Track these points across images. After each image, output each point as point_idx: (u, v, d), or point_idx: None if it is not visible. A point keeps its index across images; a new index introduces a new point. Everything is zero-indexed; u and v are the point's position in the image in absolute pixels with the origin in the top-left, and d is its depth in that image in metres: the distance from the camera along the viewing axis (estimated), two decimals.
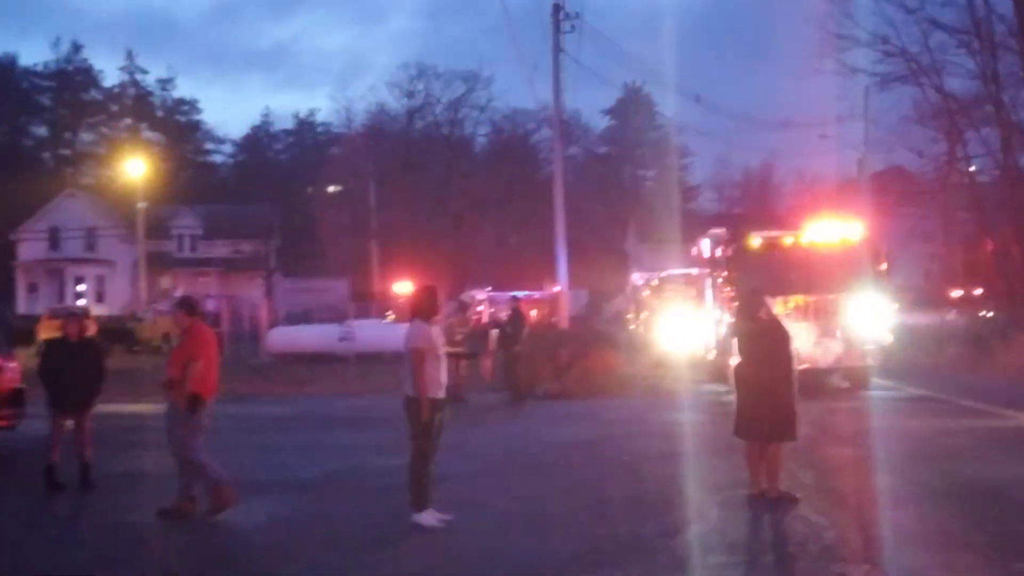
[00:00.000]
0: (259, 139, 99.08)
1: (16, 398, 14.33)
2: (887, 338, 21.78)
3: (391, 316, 43.31)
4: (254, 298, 52.08)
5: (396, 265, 57.45)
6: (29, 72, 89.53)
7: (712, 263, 23.49)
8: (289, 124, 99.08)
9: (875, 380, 22.24)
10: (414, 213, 61.45)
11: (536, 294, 43.49)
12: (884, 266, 22.48)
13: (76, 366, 12.00)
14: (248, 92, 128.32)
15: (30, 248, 68.11)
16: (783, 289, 20.46)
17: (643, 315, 37.48)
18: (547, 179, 47.00)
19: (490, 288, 44.54)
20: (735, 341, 11.04)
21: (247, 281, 62.74)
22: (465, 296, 20.99)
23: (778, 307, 18.75)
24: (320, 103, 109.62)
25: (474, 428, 16.35)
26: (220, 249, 67.63)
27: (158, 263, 64.09)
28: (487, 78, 69.84)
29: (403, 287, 48.31)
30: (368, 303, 47.38)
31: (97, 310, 57.57)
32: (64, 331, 12.51)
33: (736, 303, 15.42)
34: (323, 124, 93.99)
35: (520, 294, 31.79)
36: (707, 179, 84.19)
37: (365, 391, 24.53)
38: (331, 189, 64.94)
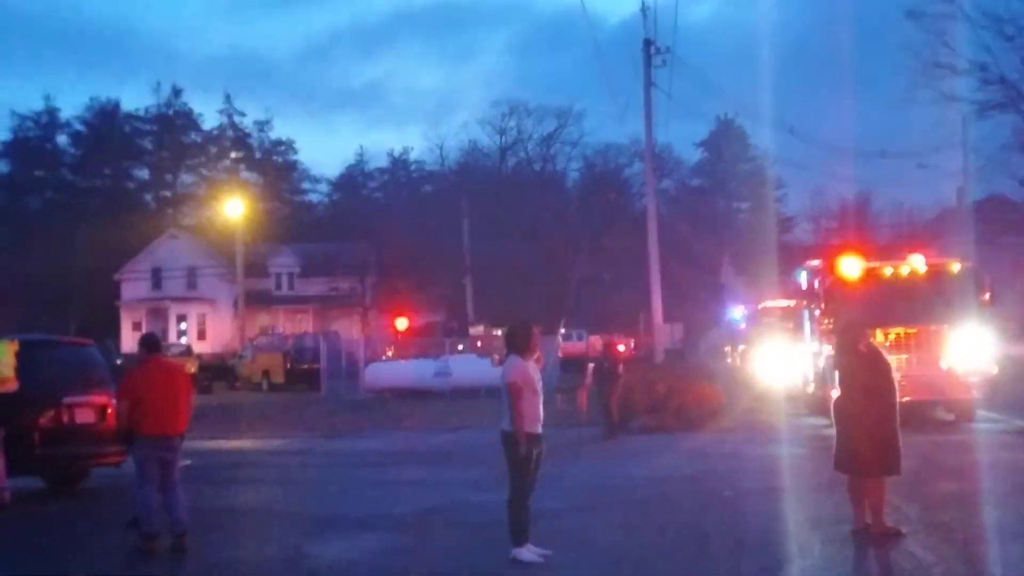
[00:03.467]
0: (354, 178, 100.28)
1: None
2: (992, 369, 21.27)
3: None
4: (351, 335, 52.59)
5: (489, 301, 57.73)
6: (131, 116, 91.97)
7: (810, 295, 23.20)
8: (383, 162, 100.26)
9: (981, 412, 21.70)
10: (507, 249, 61.70)
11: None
12: (987, 296, 21.98)
13: None
14: (342, 131, 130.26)
15: (133, 288, 69.72)
16: (883, 320, 20.14)
17: (740, 348, 37.14)
18: (640, 213, 46.86)
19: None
20: (835, 374, 10.87)
21: (344, 318, 63.46)
22: None
23: (878, 338, 18.50)
24: (413, 141, 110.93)
25: (570, 463, 16.29)
26: (317, 287, 68.50)
27: (257, 301, 65.11)
28: (578, 113, 70.00)
29: (402, 323, 47.85)
30: (462, 339, 47.52)
31: (198, 348, 58.77)
32: None
33: (835, 335, 15.21)
34: (417, 162, 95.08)
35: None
36: (802, 210, 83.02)
37: (461, 426, 24.62)
38: None
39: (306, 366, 43.47)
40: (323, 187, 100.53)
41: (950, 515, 11.35)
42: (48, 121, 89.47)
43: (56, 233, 67.85)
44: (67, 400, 14.55)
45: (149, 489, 10.70)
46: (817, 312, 22.31)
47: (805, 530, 10.60)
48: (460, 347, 41.40)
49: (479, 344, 42.48)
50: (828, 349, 19.76)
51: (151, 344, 11.32)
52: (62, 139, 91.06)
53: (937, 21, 37.90)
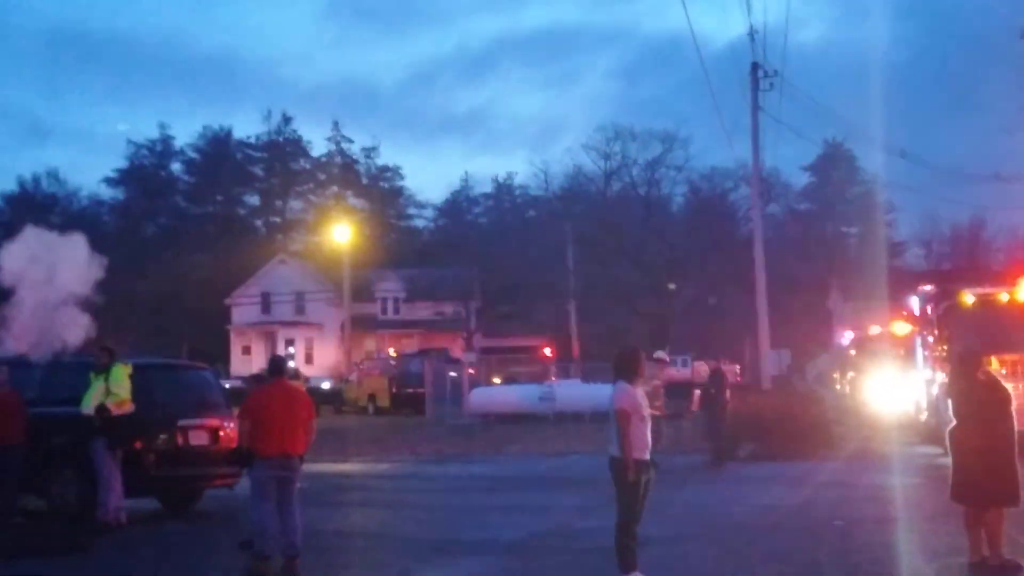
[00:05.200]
0: (459, 203, 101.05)
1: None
2: None
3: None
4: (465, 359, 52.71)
5: (594, 325, 57.60)
6: (243, 144, 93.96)
7: (922, 321, 22.76)
8: (488, 188, 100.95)
9: None
10: (611, 274, 61.55)
11: None
12: None
13: None
14: (447, 157, 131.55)
15: (243, 312, 71.00)
16: (999, 347, 19.63)
17: (850, 375, 36.56)
18: (747, 237, 46.37)
19: None
20: (950, 402, 10.65)
21: (449, 342, 63.81)
22: (658, 354, 20.61)
23: (994, 366, 18.05)
24: (517, 166, 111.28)
25: (678, 490, 16.16)
26: (422, 311, 68.98)
27: (363, 325, 65.83)
28: (684, 138, 69.34)
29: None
30: (568, 363, 47.52)
31: (306, 372, 59.57)
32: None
33: (949, 362, 14.89)
34: (521, 187, 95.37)
35: None
36: (914, 234, 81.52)
37: (566, 451, 24.58)
38: None
39: (411, 390, 43.81)
40: (428, 212, 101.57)
41: None
42: (163, 149, 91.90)
43: (169, 258, 69.53)
44: (182, 423, 14.86)
45: (265, 510, 10.81)
46: (930, 339, 21.88)
47: (919, 561, 10.38)
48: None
49: None
50: (941, 376, 19.36)
51: (276, 367, 11.51)
52: (176, 166, 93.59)
53: None
